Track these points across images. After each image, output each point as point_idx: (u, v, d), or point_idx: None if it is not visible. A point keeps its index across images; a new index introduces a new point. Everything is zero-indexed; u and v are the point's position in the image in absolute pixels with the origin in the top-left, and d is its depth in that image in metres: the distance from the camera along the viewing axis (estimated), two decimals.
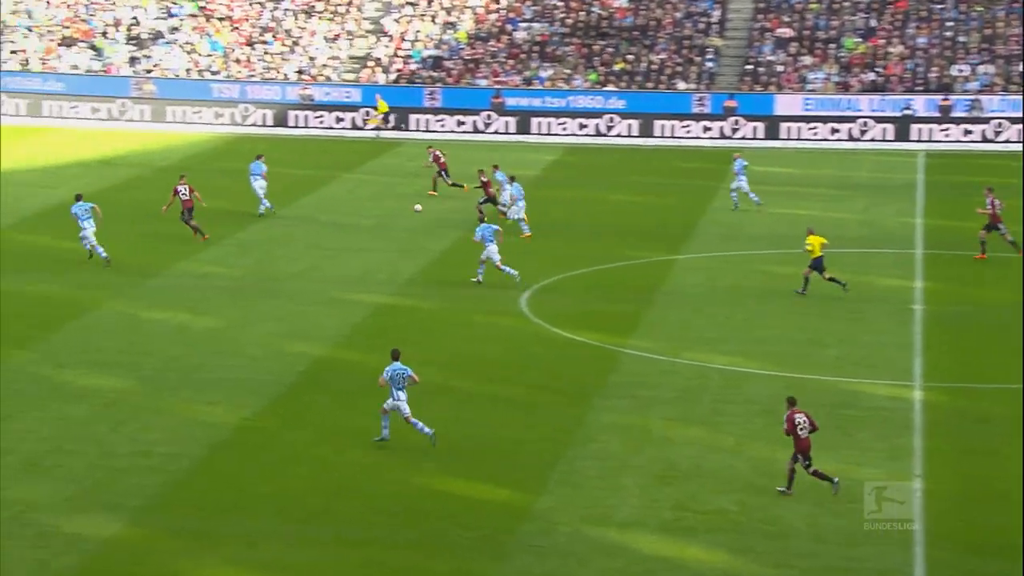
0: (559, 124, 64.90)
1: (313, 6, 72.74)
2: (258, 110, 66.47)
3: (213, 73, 69.11)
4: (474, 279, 38.76)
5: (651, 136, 63.81)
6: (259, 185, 47.05)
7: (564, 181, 55.34)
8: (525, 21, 70.97)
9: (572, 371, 31.67)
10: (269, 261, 40.88)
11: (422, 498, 24.71)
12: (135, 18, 72.70)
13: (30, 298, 36.85)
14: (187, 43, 70.97)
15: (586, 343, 33.74)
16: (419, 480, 25.45)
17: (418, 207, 48.05)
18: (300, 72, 68.95)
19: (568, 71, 67.56)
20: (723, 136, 63.27)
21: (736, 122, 63.48)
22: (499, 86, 66.91)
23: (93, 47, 71.33)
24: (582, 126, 64.61)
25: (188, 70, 69.48)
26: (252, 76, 68.70)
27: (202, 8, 73.04)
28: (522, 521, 23.84)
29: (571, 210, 49.41)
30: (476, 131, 65.17)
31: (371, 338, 34.04)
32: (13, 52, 70.77)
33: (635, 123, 64.21)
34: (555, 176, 55.82)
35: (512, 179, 46.13)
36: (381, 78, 68.51)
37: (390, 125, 65.17)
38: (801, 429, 24.56)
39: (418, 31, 70.89)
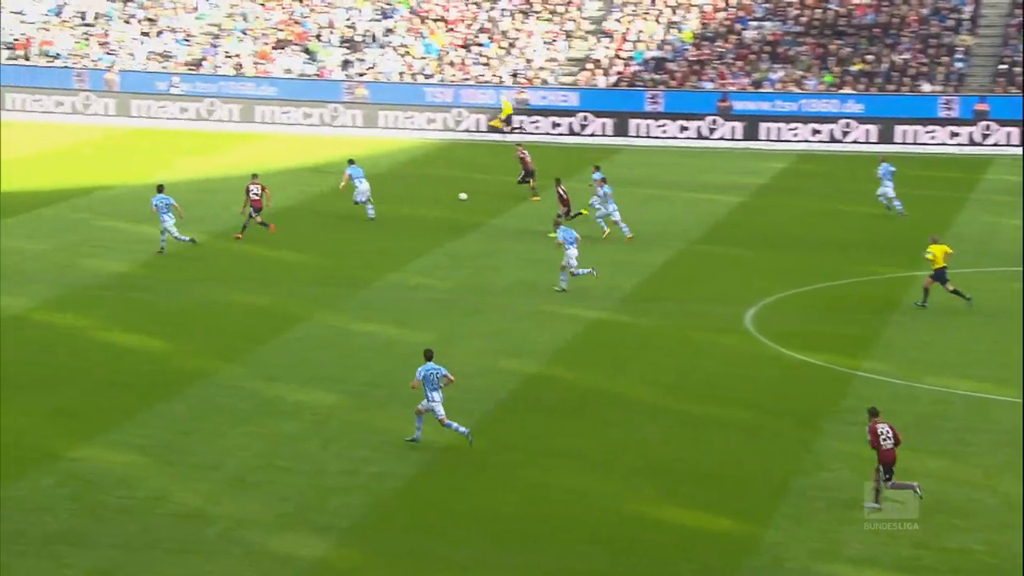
0: (790, 130, 64.30)
1: (531, 6, 73.50)
2: (471, 115, 67.45)
3: (427, 76, 70.38)
4: (557, 288, 39.34)
5: (891, 142, 62.76)
6: (364, 189, 48.00)
7: (794, 190, 54.79)
8: (756, 20, 70.53)
9: (800, 394, 31.37)
10: (480, 273, 41.46)
11: (639, 526, 24.77)
12: (350, 20, 74.51)
13: (239, 309, 38.07)
14: (401, 46, 72.43)
15: (816, 364, 33.37)
16: (635, 507, 25.51)
17: (463, 195, 49.50)
18: (515, 75, 69.73)
19: (801, 73, 66.89)
20: (972, 143, 61.86)
21: (987, 127, 61.99)
22: (726, 89, 66.62)
23: (307, 50, 73.31)
24: (815, 132, 63.89)
25: (401, 74, 70.88)
26: (466, 80, 69.74)
27: (416, 9, 74.46)
28: (747, 554, 23.69)
29: (802, 221, 48.91)
30: (700, 137, 64.99)
31: (585, 355, 34.24)
32: (228, 56, 73.17)
33: (874, 128, 63.23)
34: (784, 185, 55.31)
35: (604, 180, 46.27)
36: (600, 81, 68.86)
37: (509, 129, 65.74)
38: (884, 440, 24.72)
39: (640, 31, 71.04)
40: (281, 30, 74.51)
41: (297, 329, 36.11)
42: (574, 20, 72.59)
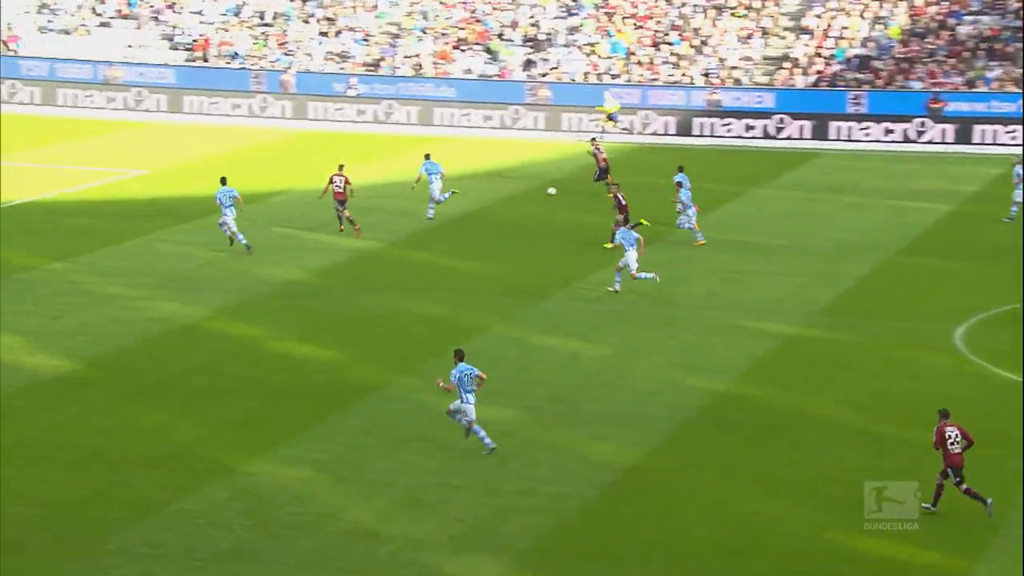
0: (1007, 132, 62.83)
1: (725, 1, 72.99)
2: (660, 117, 67.21)
3: (613, 77, 70.30)
4: (610, 288, 39.95)
5: None
6: (437, 187, 48.61)
7: (1011, 198, 53.50)
8: (971, 14, 69.08)
9: (1014, 418, 30.53)
10: (667, 285, 41.22)
11: (837, 557, 24.33)
12: (533, 18, 74.80)
13: (414, 319, 38.39)
14: (587, 44, 72.48)
15: None
16: (833, 536, 25.08)
17: (552, 190, 50.37)
18: (707, 75, 69.30)
19: (1020, 71, 65.26)
20: None
21: None
22: (937, 89, 65.34)
23: (488, 50, 73.79)
24: None
25: (586, 74, 70.91)
26: (655, 80, 69.51)
27: (603, 6, 74.44)
28: None
29: (1018, 232, 47.68)
30: (907, 140, 63.89)
31: (779, 373, 33.81)
32: (407, 57, 74.01)
33: None
34: (1000, 192, 53.99)
35: (679, 185, 46.11)
36: (799, 81, 68.09)
37: (615, 127, 65.80)
38: (952, 444, 25.33)
39: (843, 27, 70.07)
40: (462, 29, 75.12)
41: (474, 341, 36.25)
42: (771, 16, 71.91)
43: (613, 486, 27.32)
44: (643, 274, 39.96)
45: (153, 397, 31.77)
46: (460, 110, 69.80)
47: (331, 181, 46.63)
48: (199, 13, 78.39)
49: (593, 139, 56.02)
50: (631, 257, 39.79)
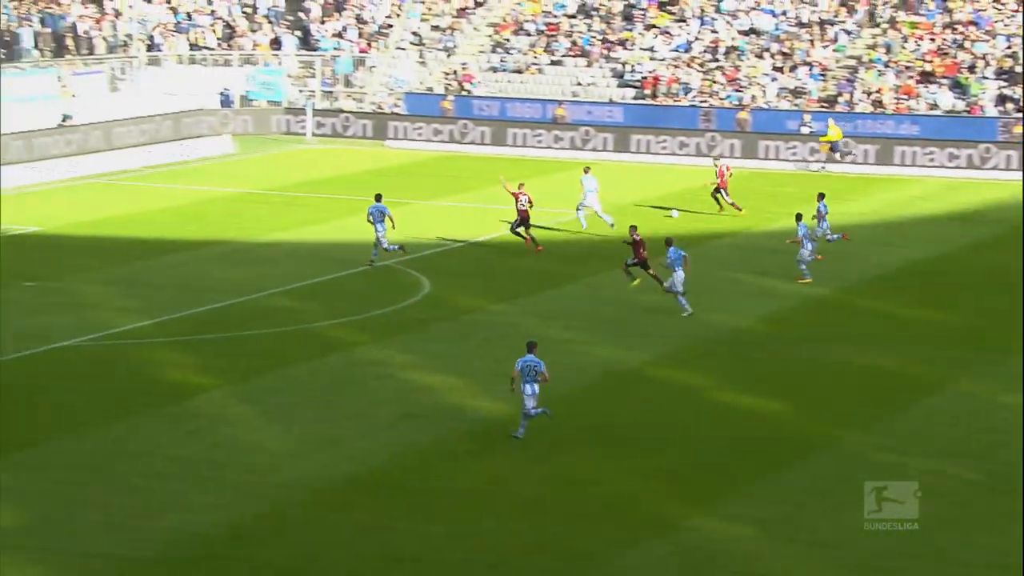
0: None
1: None
2: None
3: None
4: (684, 314, 41.67)
5: None
6: (592, 200, 52.48)
7: None
8: None
9: None
10: None
11: None
12: (1011, 49, 72.61)
13: (864, 371, 37.69)
14: None
15: None
16: None
17: (675, 213, 53.33)
18: None
19: None
20: None
21: None
22: None
23: (957, 84, 72.14)
24: None
25: None
26: None
27: None
28: None
29: None
30: None
31: None
32: (866, 92, 73.14)
33: None
34: None
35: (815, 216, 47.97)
36: None
37: (838, 156, 65.43)
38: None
39: None
40: (928, 62, 73.69)
41: (932, 397, 35.43)
42: None
43: None
44: (684, 301, 41.77)
45: (589, 444, 32.31)
46: (923, 148, 68.41)
47: (516, 198, 49.47)
48: (650, 50, 79.64)
49: (716, 158, 60.38)
50: (678, 278, 41.68)
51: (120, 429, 32.83)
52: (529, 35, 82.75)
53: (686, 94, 76.34)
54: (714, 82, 76.44)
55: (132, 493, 29.00)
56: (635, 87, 77.94)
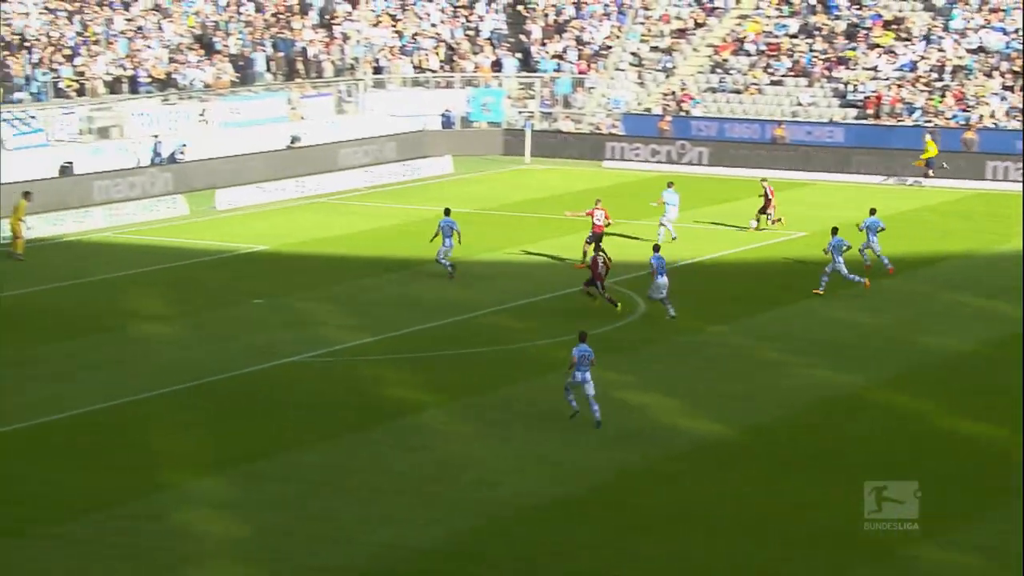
0: None
1: None
2: None
3: None
4: (668, 317, 43.07)
5: None
6: (673, 213, 54.39)
7: None
8: None
9: None
10: None
11: None
12: None
13: None
14: None
15: None
16: None
17: (753, 223, 55.59)
18: None
19: None
20: None
21: None
22: None
23: None
24: None
25: None
26: None
27: None
28: None
29: None
30: None
31: None
32: None
33: None
34: None
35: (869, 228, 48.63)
36: None
37: (931, 173, 65.00)
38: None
39: None
40: None
41: None
42: None
43: None
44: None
45: (811, 468, 31.87)
46: None
47: (591, 215, 50.42)
48: (873, 69, 78.53)
49: (763, 179, 58.54)
50: (662, 283, 43.43)
51: (343, 443, 33.33)
52: (749, 55, 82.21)
53: (910, 114, 75.07)
54: (941, 101, 75.02)
55: (354, 506, 29.40)
56: (857, 107, 76.90)
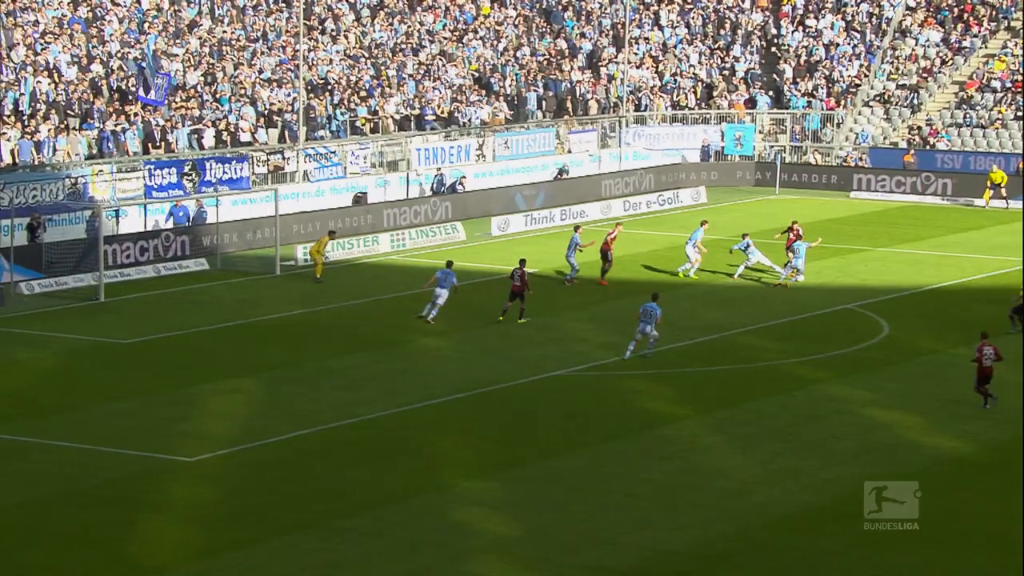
0: None
1: None
2: None
3: None
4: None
5: None
6: (690, 250, 53.24)
7: None
8: None
9: None
10: None
11: None
12: None
13: None
14: None
15: None
16: None
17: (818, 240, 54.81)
18: None
19: None
20: None
21: None
22: None
23: None
24: None
25: None
26: None
27: None
28: None
29: None
30: None
31: None
32: None
33: None
34: None
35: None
36: None
37: (1002, 201, 64.56)
38: (987, 359, 34.20)
39: None
40: None
41: None
42: None
43: None
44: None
45: None
46: None
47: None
48: None
49: (794, 221, 56.33)
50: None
51: (601, 451, 33.47)
52: (995, 92, 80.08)
53: None
54: None
55: (610, 510, 29.48)
56: None
